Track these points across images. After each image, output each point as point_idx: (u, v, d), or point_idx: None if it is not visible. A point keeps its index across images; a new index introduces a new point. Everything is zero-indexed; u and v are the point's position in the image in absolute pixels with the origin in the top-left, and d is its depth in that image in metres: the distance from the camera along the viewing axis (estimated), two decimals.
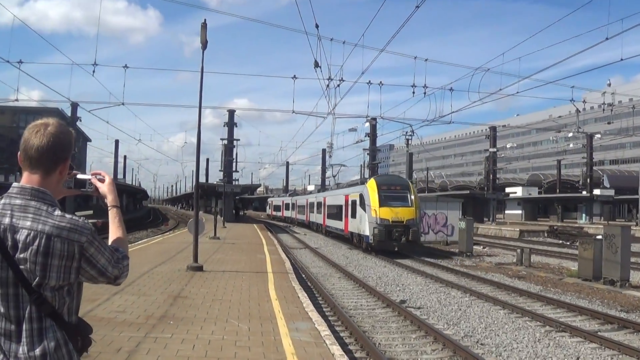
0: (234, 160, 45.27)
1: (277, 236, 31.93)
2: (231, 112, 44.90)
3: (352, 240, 26.06)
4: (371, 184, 23.45)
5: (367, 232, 22.73)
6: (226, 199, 39.98)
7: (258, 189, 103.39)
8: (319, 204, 37.96)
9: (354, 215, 25.54)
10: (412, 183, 26.34)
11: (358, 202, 24.63)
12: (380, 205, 22.41)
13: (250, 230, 32.71)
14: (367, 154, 47.84)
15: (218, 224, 26.24)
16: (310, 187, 68.36)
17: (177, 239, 23.66)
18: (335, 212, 30.52)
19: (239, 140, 45.44)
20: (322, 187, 51.11)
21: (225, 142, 43.73)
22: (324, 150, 68.51)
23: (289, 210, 57.38)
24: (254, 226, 37.97)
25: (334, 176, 46.31)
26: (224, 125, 44.78)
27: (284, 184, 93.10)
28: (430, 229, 28.79)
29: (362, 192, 24.20)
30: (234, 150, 44.88)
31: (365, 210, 23.30)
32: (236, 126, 45.13)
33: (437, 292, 13.29)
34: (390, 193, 23.12)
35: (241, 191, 48.14)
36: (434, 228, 28.87)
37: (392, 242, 21.88)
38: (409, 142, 41.93)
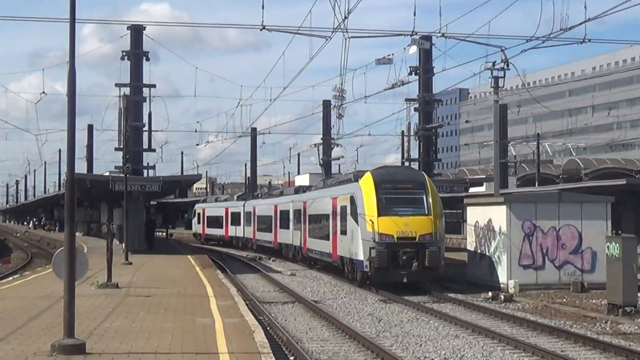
0: (146, 129, 45.26)
1: (236, 280, 32.13)
2: (136, 30, 44.87)
3: (343, 270, 31.02)
4: (366, 181, 28.17)
5: (361, 256, 27.07)
6: (131, 207, 39.87)
7: (195, 186, 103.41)
8: (297, 213, 39.94)
9: (344, 231, 30.04)
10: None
11: (348, 210, 29.20)
12: (380, 214, 26.80)
13: (182, 268, 32.88)
14: (415, 108, 47.86)
15: (116, 255, 26.47)
16: (302, 179, 68.58)
17: (30, 291, 23.72)
18: (320, 227, 34.59)
19: (154, 86, 45.57)
20: (327, 177, 51.52)
21: (127, 91, 43.68)
22: (327, 104, 68.49)
23: (239, 224, 60.04)
24: (189, 259, 38.08)
25: (322, 164, 47.18)
26: (124, 58, 44.74)
27: (247, 176, 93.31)
28: (548, 258, 28.78)
29: (353, 193, 28.70)
30: (145, 107, 44.91)
31: (357, 222, 27.70)
32: (147, 59, 45.17)
33: None
34: (396, 194, 27.75)
35: (161, 190, 47.97)
36: (554, 257, 28.83)
37: (399, 270, 26.37)
38: (500, 84, 41.79)
